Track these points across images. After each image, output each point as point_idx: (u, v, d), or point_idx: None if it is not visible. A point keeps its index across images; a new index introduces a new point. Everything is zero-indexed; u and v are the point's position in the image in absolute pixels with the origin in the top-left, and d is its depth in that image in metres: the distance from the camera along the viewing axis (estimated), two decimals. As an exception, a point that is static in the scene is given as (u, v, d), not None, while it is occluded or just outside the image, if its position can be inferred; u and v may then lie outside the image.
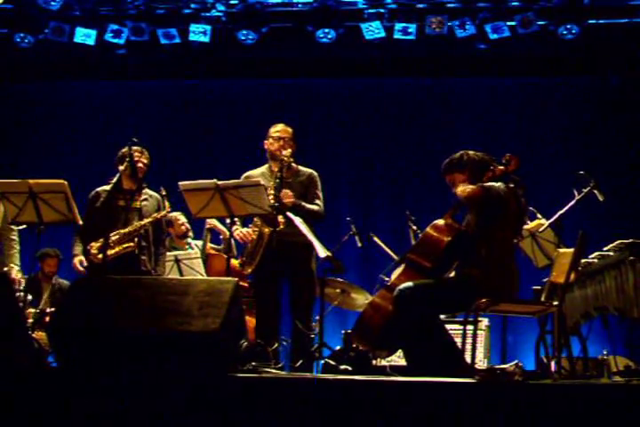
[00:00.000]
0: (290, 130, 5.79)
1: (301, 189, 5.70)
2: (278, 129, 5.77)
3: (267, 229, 5.46)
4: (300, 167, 5.81)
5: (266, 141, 5.79)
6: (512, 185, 4.48)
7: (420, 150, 8.90)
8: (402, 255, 4.74)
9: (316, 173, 5.82)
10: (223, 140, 9.30)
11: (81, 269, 5.78)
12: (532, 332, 6.04)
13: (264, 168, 5.81)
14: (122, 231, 5.70)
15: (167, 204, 5.85)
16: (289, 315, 5.69)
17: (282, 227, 5.36)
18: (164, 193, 5.86)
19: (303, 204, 5.60)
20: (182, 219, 7.06)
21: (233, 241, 6.18)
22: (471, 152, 4.61)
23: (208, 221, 6.73)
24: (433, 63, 8.95)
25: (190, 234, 7.19)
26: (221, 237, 6.95)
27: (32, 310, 6.60)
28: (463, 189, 4.44)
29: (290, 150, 5.61)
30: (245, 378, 3.60)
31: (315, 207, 5.68)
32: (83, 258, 5.79)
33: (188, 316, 3.65)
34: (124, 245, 5.70)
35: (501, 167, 4.50)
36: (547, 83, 9.10)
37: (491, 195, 4.33)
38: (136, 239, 5.73)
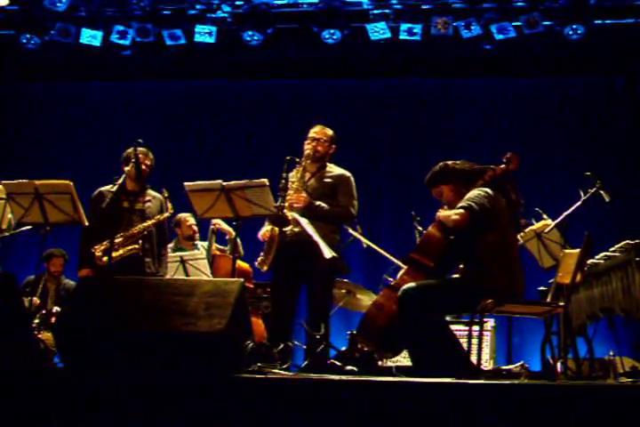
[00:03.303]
0: (328, 132, 5.70)
1: (328, 189, 5.59)
2: (315, 130, 5.69)
3: (277, 229, 5.45)
4: (334, 167, 5.71)
5: None
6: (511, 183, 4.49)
7: (424, 150, 8.86)
8: (405, 255, 4.74)
9: (348, 174, 5.68)
10: (228, 140, 9.29)
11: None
12: (537, 333, 6.01)
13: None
14: (126, 234, 5.69)
15: (170, 205, 5.85)
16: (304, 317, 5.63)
17: (292, 226, 5.32)
18: (166, 195, 5.85)
19: (321, 206, 5.49)
20: (191, 220, 6.96)
21: (239, 241, 6.13)
22: (450, 162, 4.59)
23: (213, 221, 6.69)
24: (438, 64, 8.95)
25: (197, 236, 7.13)
26: (227, 237, 6.93)
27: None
28: (446, 215, 4.37)
29: (309, 152, 5.54)
30: (251, 379, 3.59)
31: (337, 209, 5.56)
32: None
33: (194, 316, 3.65)
34: (129, 248, 5.69)
35: (502, 166, 4.50)
36: (552, 83, 9.08)
37: (475, 214, 4.27)
38: (140, 241, 5.73)
